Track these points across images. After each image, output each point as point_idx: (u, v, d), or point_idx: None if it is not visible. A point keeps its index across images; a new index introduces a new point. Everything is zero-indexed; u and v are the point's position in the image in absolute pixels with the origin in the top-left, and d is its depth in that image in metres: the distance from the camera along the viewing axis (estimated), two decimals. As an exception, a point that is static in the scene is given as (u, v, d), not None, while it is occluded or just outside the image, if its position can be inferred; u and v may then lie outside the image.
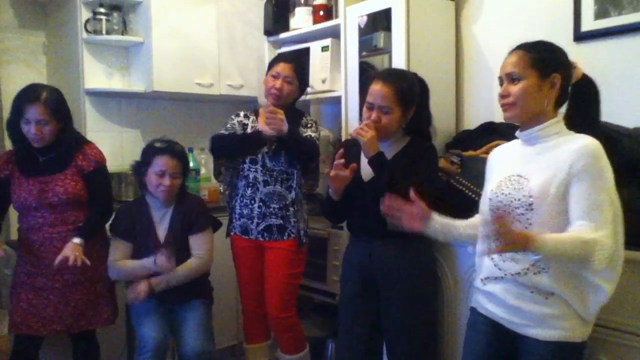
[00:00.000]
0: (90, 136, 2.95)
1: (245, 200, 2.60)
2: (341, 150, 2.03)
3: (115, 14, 3.21)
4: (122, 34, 3.25)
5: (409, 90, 2.05)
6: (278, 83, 2.54)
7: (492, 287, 1.66)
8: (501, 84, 1.65)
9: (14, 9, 3.56)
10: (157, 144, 2.45)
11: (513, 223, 1.50)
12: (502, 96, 1.63)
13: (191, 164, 3.37)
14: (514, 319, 1.61)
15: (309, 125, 2.61)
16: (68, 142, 2.33)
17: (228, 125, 2.66)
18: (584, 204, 1.48)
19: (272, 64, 2.63)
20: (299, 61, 2.68)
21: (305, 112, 2.83)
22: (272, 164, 2.56)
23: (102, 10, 3.17)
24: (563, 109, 1.74)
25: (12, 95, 3.44)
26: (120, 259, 2.40)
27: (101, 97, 3.34)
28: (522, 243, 1.41)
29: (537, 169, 1.58)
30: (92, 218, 2.36)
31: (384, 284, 2.10)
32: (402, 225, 1.76)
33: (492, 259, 1.65)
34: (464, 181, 2.28)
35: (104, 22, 3.17)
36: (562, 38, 2.45)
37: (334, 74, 2.95)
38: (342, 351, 2.27)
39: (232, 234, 2.68)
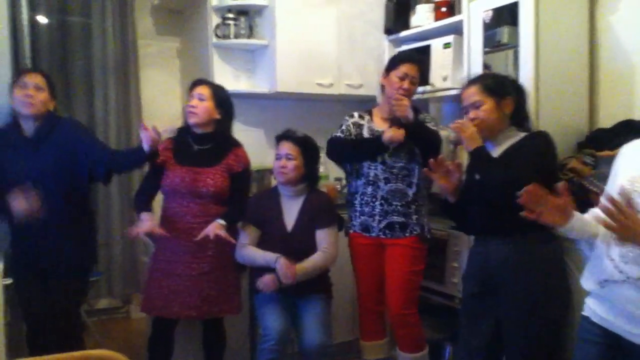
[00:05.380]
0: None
1: (365, 199, 2.62)
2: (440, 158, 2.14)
3: (242, 19, 3.38)
4: (249, 38, 3.42)
5: (496, 82, 2.11)
6: (406, 84, 2.55)
7: (610, 291, 1.53)
8: None
9: (153, 18, 3.88)
10: (278, 135, 2.61)
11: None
12: None
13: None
14: (634, 330, 1.49)
15: (428, 120, 2.62)
16: (223, 139, 2.53)
17: (343, 128, 2.69)
18: None
19: (396, 64, 2.61)
20: (422, 61, 2.72)
21: (424, 110, 2.84)
22: (392, 161, 2.57)
23: (230, 15, 3.36)
24: None
25: (151, 97, 3.78)
26: (249, 243, 2.52)
27: (228, 97, 3.52)
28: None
29: None
30: (232, 211, 2.50)
31: (501, 286, 2.04)
32: (540, 219, 1.62)
33: (612, 260, 1.52)
34: (597, 182, 2.14)
35: (232, 27, 3.36)
36: None
37: (456, 71, 2.89)
38: (460, 351, 2.23)
39: (351, 231, 2.71)
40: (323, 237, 2.51)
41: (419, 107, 2.72)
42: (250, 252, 2.49)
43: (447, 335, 2.87)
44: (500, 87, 2.09)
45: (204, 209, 2.46)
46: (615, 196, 1.48)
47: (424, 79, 2.82)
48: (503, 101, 2.07)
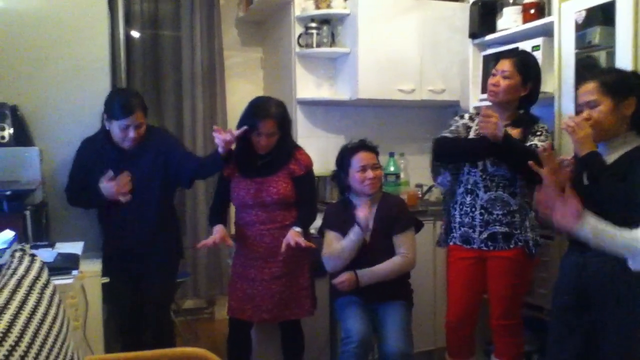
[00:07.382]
0: (300, 142, 3.15)
1: (465, 209, 2.51)
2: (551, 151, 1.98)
3: (324, 28, 3.43)
4: (331, 46, 3.46)
5: (617, 80, 1.91)
6: (495, 79, 2.44)
7: None
8: None
9: (237, 29, 4.03)
10: (349, 146, 2.61)
11: None
12: None
13: (391, 168, 3.46)
14: None
15: (538, 133, 2.41)
16: (285, 150, 2.53)
17: (452, 128, 2.57)
18: None
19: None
20: (522, 56, 2.52)
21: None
22: (493, 169, 2.43)
23: (313, 24, 3.41)
24: None
25: (236, 105, 3.90)
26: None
27: (310, 105, 3.58)
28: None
29: None
30: (304, 215, 2.54)
31: (597, 301, 1.92)
32: (553, 221, 1.58)
33: None
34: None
35: (314, 36, 3.41)
36: None
37: (546, 74, 2.78)
38: None
39: (450, 243, 2.59)
40: (401, 241, 2.49)
41: (537, 117, 2.52)
42: (335, 248, 2.49)
43: (535, 347, 2.76)
44: (621, 85, 1.89)
45: (270, 215, 2.51)
46: None
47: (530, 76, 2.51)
48: (624, 102, 1.87)
